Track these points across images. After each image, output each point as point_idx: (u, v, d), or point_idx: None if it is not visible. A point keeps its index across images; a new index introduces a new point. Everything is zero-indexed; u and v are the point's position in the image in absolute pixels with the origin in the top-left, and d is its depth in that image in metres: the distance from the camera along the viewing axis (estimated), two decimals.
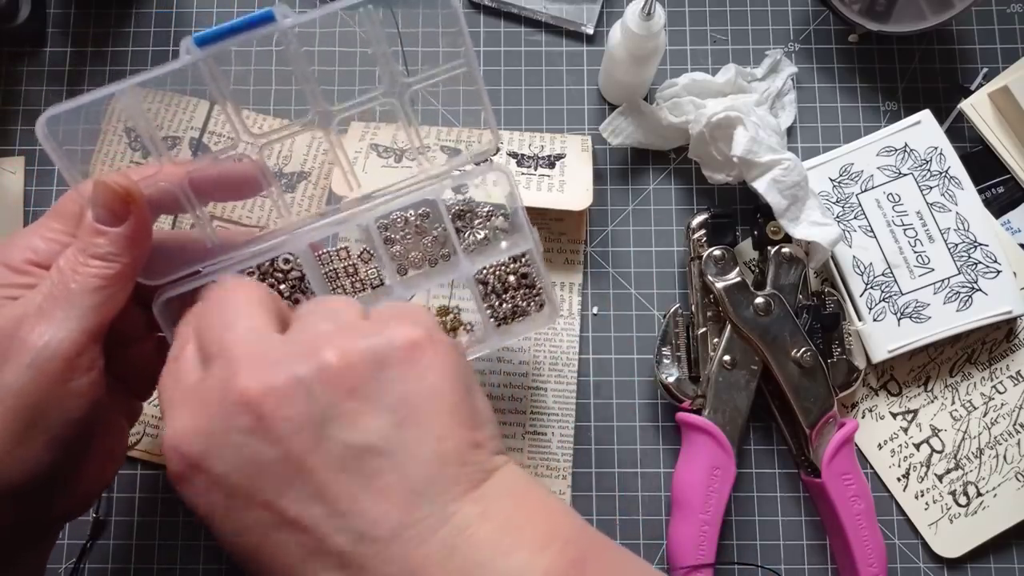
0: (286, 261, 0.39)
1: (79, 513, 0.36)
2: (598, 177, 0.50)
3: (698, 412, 0.45)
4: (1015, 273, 0.47)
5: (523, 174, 0.47)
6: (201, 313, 0.32)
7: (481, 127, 0.51)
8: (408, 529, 0.26)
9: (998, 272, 0.46)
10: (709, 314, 0.46)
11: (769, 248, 0.46)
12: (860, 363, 0.46)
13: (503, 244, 0.40)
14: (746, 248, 0.48)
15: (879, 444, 0.47)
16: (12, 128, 0.51)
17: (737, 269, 0.45)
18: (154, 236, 0.34)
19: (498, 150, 0.48)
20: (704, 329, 0.46)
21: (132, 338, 0.36)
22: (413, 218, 0.40)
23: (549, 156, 0.48)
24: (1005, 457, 0.47)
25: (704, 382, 0.45)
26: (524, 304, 0.41)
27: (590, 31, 0.52)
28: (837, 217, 0.48)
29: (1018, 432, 0.47)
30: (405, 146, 0.48)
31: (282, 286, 0.39)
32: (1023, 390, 0.48)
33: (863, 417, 0.47)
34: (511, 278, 0.41)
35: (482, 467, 0.28)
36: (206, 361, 0.29)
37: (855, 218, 0.48)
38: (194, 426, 0.28)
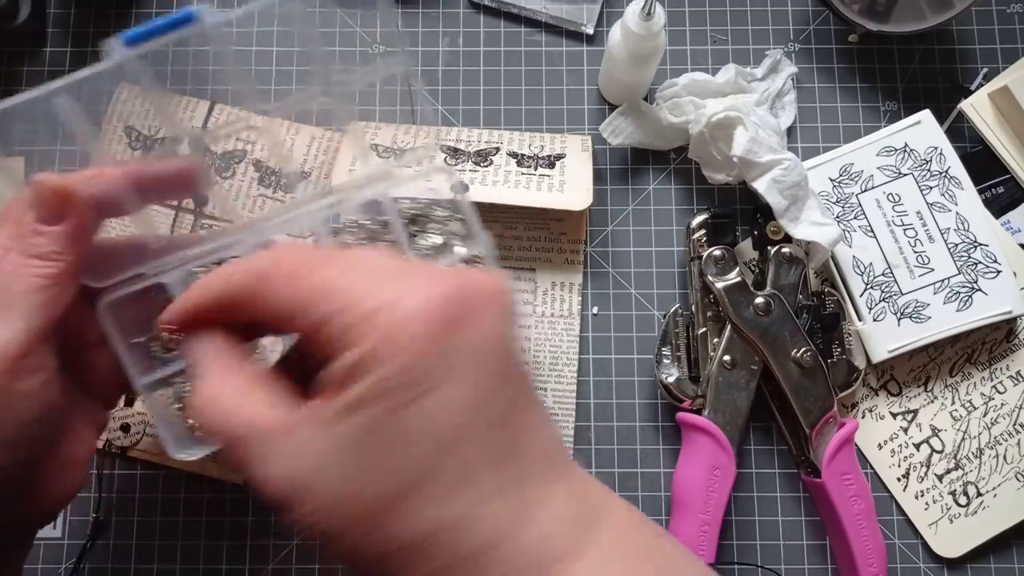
0: None
1: (46, 521, 0.35)
2: (598, 177, 0.50)
3: (698, 412, 0.45)
4: (1015, 273, 0.47)
5: (523, 174, 0.47)
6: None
7: (482, 126, 0.51)
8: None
9: (998, 272, 0.46)
10: (709, 314, 0.46)
11: (769, 248, 0.46)
12: (860, 363, 0.46)
13: (455, 249, 0.38)
14: (746, 248, 0.48)
15: (879, 444, 0.47)
16: (12, 128, 0.51)
17: (737, 269, 0.45)
18: (99, 238, 0.34)
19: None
20: (704, 329, 0.46)
21: (90, 343, 0.35)
22: (369, 223, 0.39)
23: (549, 156, 0.48)
24: (1005, 457, 0.47)
25: (704, 382, 0.45)
26: None
27: (590, 31, 0.52)
28: (837, 217, 0.48)
29: (1018, 432, 0.47)
30: (405, 146, 0.48)
31: None
32: (1023, 390, 0.48)
33: (863, 417, 0.47)
34: None
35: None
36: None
37: (855, 218, 0.48)
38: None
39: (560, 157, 0.48)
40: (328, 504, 0.23)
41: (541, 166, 0.47)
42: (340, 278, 0.25)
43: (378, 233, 0.38)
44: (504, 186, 0.46)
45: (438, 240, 0.39)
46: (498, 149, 0.48)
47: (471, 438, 0.23)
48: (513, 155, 0.48)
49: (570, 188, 0.46)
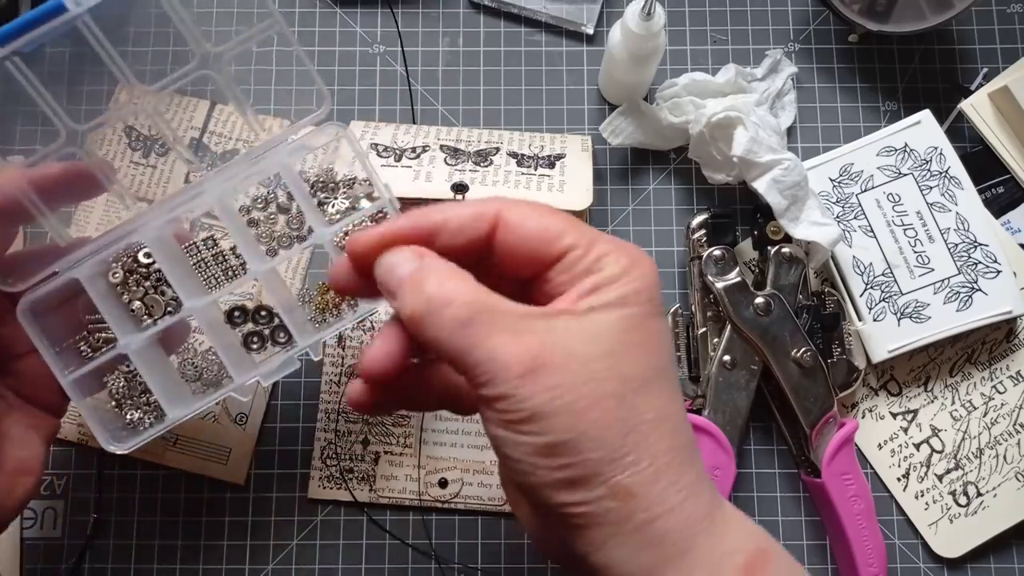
0: (148, 255, 0.38)
1: (1, 528, 0.36)
2: (598, 177, 0.50)
3: (698, 412, 0.45)
4: (1015, 273, 0.47)
5: (523, 174, 0.47)
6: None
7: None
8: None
9: (998, 272, 0.46)
10: (709, 314, 0.46)
11: (769, 248, 0.46)
12: (860, 363, 0.46)
13: (363, 205, 0.38)
14: (746, 248, 0.48)
15: (879, 444, 0.47)
16: (12, 128, 0.51)
17: (737, 269, 0.45)
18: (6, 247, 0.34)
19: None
20: (704, 329, 0.46)
21: (19, 352, 0.36)
22: (279, 196, 0.39)
23: (549, 156, 0.48)
24: (1005, 457, 0.47)
25: (704, 382, 0.45)
26: None
27: (590, 31, 0.52)
28: (837, 217, 0.48)
29: (1018, 432, 0.47)
30: (406, 145, 0.48)
31: (147, 282, 0.38)
32: (1023, 390, 0.48)
33: (863, 417, 0.47)
34: None
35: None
36: None
37: (855, 218, 0.48)
38: None
39: (560, 157, 0.48)
40: (570, 380, 0.25)
41: (541, 166, 0.47)
42: (569, 223, 0.28)
43: (285, 205, 0.39)
44: (504, 186, 0.46)
45: (344, 204, 0.39)
46: (498, 149, 0.48)
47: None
48: (513, 155, 0.48)
49: (570, 188, 0.46)
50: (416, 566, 0.46)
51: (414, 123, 0.51)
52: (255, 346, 0.42)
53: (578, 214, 0.49)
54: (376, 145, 0.48)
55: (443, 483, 0.46)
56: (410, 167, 0.47)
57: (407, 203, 0.49)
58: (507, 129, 0.50)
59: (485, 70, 0.52)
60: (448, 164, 0.47)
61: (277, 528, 0.47)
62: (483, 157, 0.48)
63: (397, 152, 0.47)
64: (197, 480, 0.47)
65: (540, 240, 0.28)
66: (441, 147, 0.48)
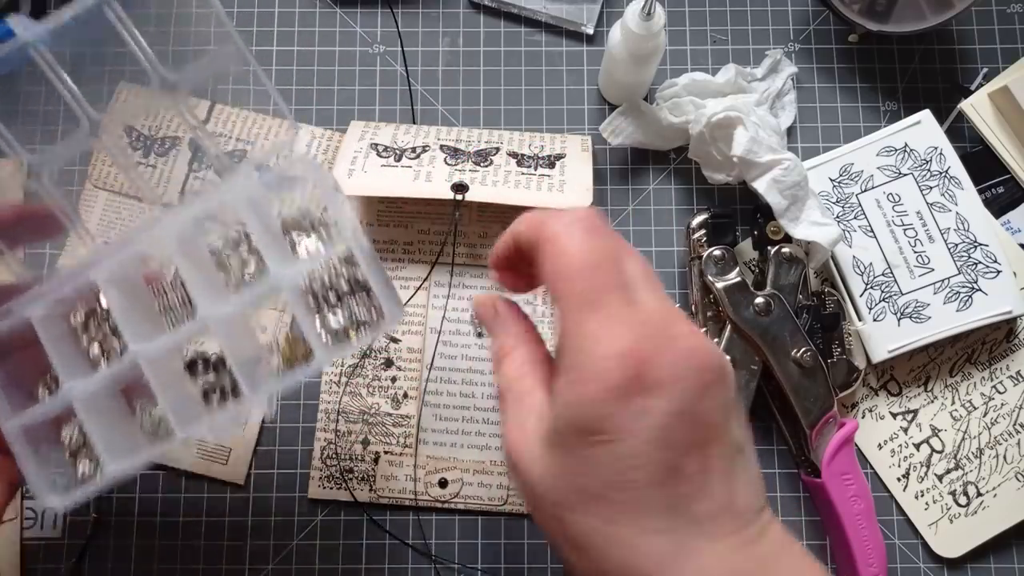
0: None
1: None
2: (598, 177, 0.50)
3: None
4: (1015, 273, 0.47)
5: (523, 174, 0.47)
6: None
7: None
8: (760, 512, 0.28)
9: (998, 272, 0.46)
10: (709, 314, 0.46)
11: (769, 248, 0.46)
12: (860, 363, 0.46)
13: (321, 246, 0.35)
14: (746, 248, 0.48)
15: (879, 444, 0.47)
16: (12, 128, 0.51)
17: (737, 269, 0.45)
18: None
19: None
20: (704, 329, 0.46)
21: None
22: (242, 234, 0.35)
23: (549, 156, 0.48)
24: (1005, 457, 0.47)
25: None
26: (360, 311, 0.34)
27: (590, 31, 0.52)
28: (837, 217, 0.48)
29: (1018, 432, 0.47)
30: (406, 145, 0.48)
31: (107, 324, 0.35)
32: (1023, 390, 0.48)
33: (863, 417, 0.47)
34: (342, 283, 0.34)
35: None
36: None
37: (855, 218, 0.48)
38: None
39: (560, 157, 0.48)
40: (535, 482, 0.28)
41: (541, 166, 0.47)
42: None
43: (255, 246, 0.35)
44: (504, 186, 0.46)
45: (315, 244, 0.35)
46: (498, 149, 0.48)
47: (640, 486, 0.26)
48: (513, 155, 0.48)
49: (570, 188, 0.46)
50: (416, 566, 0.46)
51: (414, 123, 0.51)
52: (215, 399, 0.36)
53: None
54: (376, 145, 0.48)
55: (443, 483, 0.47)
56: (410, 167, 0.47)
57: (408, 202, 0.49)
58: (507, 129, 0.51)
59: (485, 70, 0.52)
60: (448, 164, 0.47)
61: (277, 528, 0.47)
62: (483, 157, 0.48)
63: (397, 152, 0.47)
64: (197, 480, 0.47)
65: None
66: (441, 147, 0.48)
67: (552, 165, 0.47)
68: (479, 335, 0.48)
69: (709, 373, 0.27)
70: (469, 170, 0.47)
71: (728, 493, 0.27)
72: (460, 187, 0.46)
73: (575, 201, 0.45)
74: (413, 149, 0.48)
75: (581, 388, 0.26)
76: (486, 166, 0.47)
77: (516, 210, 0.48)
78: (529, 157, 0.48)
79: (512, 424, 0.30)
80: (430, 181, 0.46)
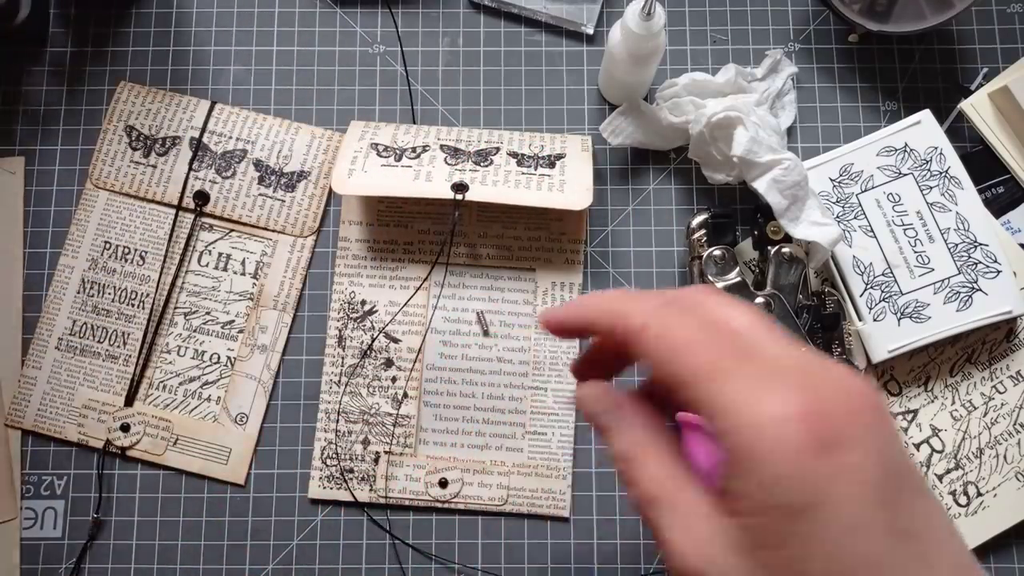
0: None
1: None
2: (598, 177, 0.50)
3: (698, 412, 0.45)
4: (1015, 273, 0.47)
5: (523, 174, 0.47)
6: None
7: (481, 127, 0.51)
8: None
9: (998, 272, 0.46)
10: None
11: (769, 248, 0.46)
12: (860, 363, 0.46)
13: None
14: (746, 248, 0.48)
15: None
16: (12, 128, 0.51)
17: (737, 269, 0.45)
18: None
19: None
20: None
21: None
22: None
23: (549, 156, 0.48)
24: (1005, 457, 0.47)
25: None
26: None
27: (590, 31, 0.52)
28: (837, 217, 0.48)
29: (1018, 432, 0.47)
30: (406, 145, 0.48)
31: None
32: (1023, 390, 0.48)
33: None
34: None
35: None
36: None
37: (855, 218, 0.48)
38: None
39: (560, 157, 0.48)
40: None
41: (541, 166, 0.47)
42: (717, 365, 0.24)
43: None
44: (504, 186, 0.46)
45: None
46: (498, 149, 0.48)
47: (873, 555, 0.22)
48: (513, 155, 0.48)
49: (570, 188, 0.46)
50: (416, 566, 0.46)
51: (414, 123, 0.51)
52: None
53: (578, 214, 0.49)
54: (376, 145, 0.48)
55: (443, 483, 0.47)
56: (410, 167, 0.47)
57: (408, 202, 0.49)
58: (507, 129, 0.51)
59: (485, 70, 0.52)
60: (448, 164, 0.47)
61: (277, 528, 0.47)
62: (483, 157, 0.48)
63: (397, 152, 0.47)
64: (197, 480, 0.47)
65: (667, 380, 0.26)
66: (441, 147, 0.48)
67: (552, 165, 0.47)
68: (485, 333, 0.48)
69: (883, 411, 0.23)
70: (469, 170, 0.47)
71: (959, 543, 0.24)
72: (460, 187, 0.46)
73: (575, 201, 0.46)
74: (413, 149, 0.48)
75: (762, 462, 0.22)
76: (486, 166, 0.47)
77: (516, 210, 0.49)
78: (529, 157, 0.48)
79: (679, 535, 0.25)
80: (430, 181, 0.46)
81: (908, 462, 0.23)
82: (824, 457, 0.22)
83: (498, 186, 0.46)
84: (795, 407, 0.22)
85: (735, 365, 0.24)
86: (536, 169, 0.47)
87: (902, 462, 0.23)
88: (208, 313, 0.48)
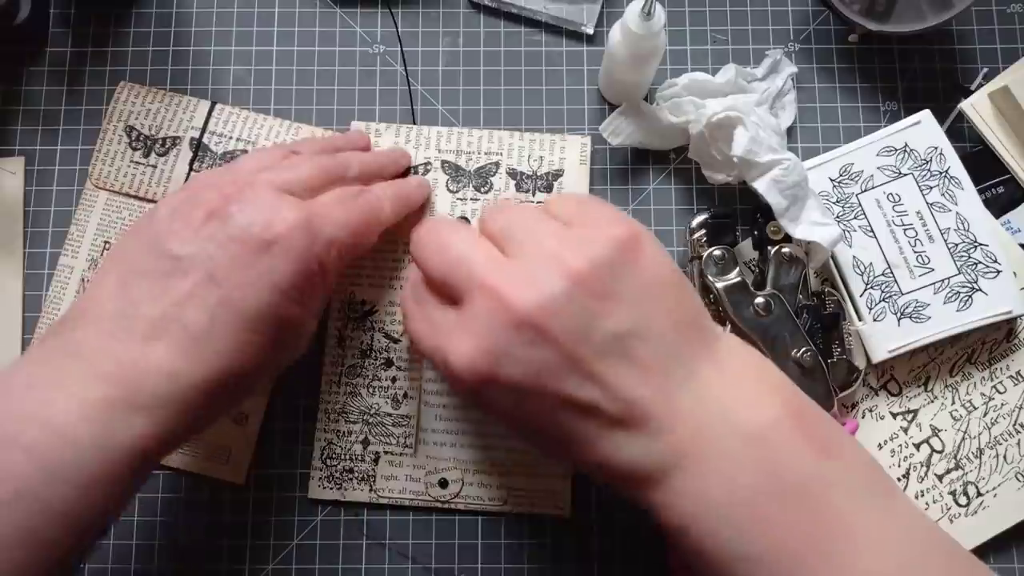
0: None
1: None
2: (599, 177, 0.50)
3: None
4: (1015, 273, 0.47)
5: (521, 202, 0.48)
6: (426, 257, 0.38)
7: (481, 127, 0.51)
8: (664, 387, 0.33)
9: (998, 272, 0.46)
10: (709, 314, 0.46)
11: (769, 248, 0.46)
12: (860, 363, 0.46)
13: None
14: (746, 248, 0.48)
15: (879, 444, 0.47)
16: (12, 128, 0.51)
17: (737, 269, 0.45)
18: None
19: None
20: None
21: None
22: None
23: (547, 174, 0.49)
24: (1005, 457, 0.47)
25: None
26: None
27: (590, 31, 0.52)
28: (837, 217, 0.48)
29: (1018, 432, 0.47)
30: (406, 145, 0.48)
31: None
32: (1023, 390, 0.48)
33: (863, 417, 0.47)
34: None
35: (712, 331, 0.36)
36: (459, 296, 0.35)
37: (855, 218, 0.48)
38: (481, 348, 0.33)
39: (558, 175, 0.49)
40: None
41: (539, 189, 0.49)
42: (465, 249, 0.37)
43: None
44: None
45: None
46: (498, 165, 0.49)
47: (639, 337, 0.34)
48: (512, 174, 0.49)
49: None
50: (416, 566, 0.46)
51: (414, 123, 0.51)
52: None
53: None
54: (376, 145, 0.48)
55: (443, 483, 0.47)
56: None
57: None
58: (507, 129, 0.50)
59: (485, 70, 0.52)
60: (450, 191, 0.49)
61: (277, 528, 0.47)
62: (483, 179, 0.49)
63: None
64: (197, 480, 0.47)
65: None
66: (443, 164, 0.49)
67: (549, 188, 0.49)
68: None
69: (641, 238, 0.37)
70: (471, 198, 0.48)
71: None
72: (462, 221, 0.48)
73: None
74: (415, 169, 0.49)
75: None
76: (485, 191, 0.48)
77: None
78: (528, 176, 0.49)
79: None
80: (433, 214, 0.48)
81: None
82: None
83: None
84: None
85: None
86: (534, 195, 0.49)
87: None
88: None
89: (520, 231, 0.36)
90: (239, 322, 0.36)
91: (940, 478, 0.47)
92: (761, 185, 0.45)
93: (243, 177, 0.39)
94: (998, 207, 0.49)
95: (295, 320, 0.38)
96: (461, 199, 0.49)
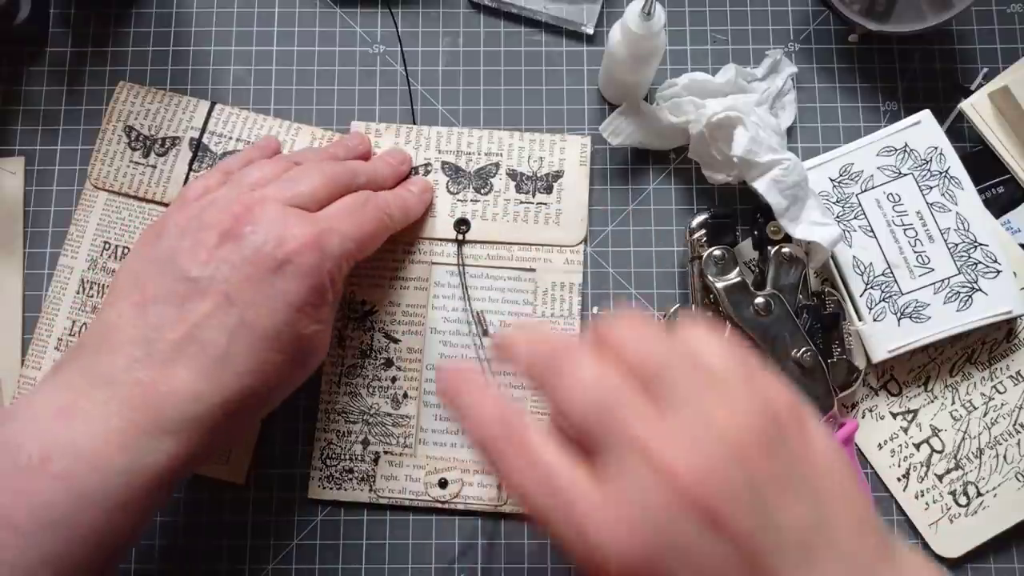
0: None
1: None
2: (599, 177, 0.50)
3: None
4: (1015, 273, 0.47)
5: (522, 203, 0.49)
6: (563, 389, 0.28)
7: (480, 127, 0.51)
8: None
9: (998, 272, 0.46)
10: (709, 314, 0.46)
11: (769, 248, 0.46)
12: (860, 363, 0.46)
13: None
14: (746, 248, 0.48)
15: (879, 444, 0.47)
16: (12, 128, 0.51)
17: (737, 269, 0.45)
18: None
19: None
20: None
21: None
22: None
23: (547, 175, 0.49)
24: (1005, 457, 0.47)
25: None
26: None
27: (590, 31, 0.52)
28: (837, 217, 0.48)
29: (1018, 432, 0.47)
30: (406, 145, 0.48)
31: None
32: (1023, 390, 0.48)
33: (863, 417, 0.47)
34: None
35: (888, 538, 0.28)
36: (596, 448, 0.27)
37: (855, 218, 0.48)
38: (637, 532, 0.25)
39: (558, 176, 0.49)
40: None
41: (539, 191, 0.49)
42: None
43: None
44: (503, 220, 0.48)
45: None
46: (498, 166, 0.49)
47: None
48: (512, 175, 0.49)
49: (566, 219, 0.48)
50: (415, 566, 0.46)
51: (414, 123, 0.51)
52: None
53: (578, 215, 0.49)
54: (377, 145, 0.48)
55: (443, 483, 0.47)
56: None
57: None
58: (507, 130, 0.50)
59: (485, 70, 0.52)
60: (450, 192, 0.49)
61: (277, 528, 0.47)
62: (483, 181, 0.49)
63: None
64: (197, 480, 0.47)
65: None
66: (443, 164, 0.49)
67: (550, 190, 0.49)
68: (485, 333, 0.48)
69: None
70: (471, 199, 0.49)
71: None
72: (462, 223, 0.48)
73: (570, 236, 0.48)
74: (416, 170, 0.49)
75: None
76: (486, 193, 0.49)
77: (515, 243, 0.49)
78: (528, 178, 0.49)
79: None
80: (434, 216, 0.48)
81: None
82: None
83: (498, 220, 0.48)
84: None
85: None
86: (534, 196, 0.49)
87: None
88: None
89: (681, 381, 0.27)
90: (257, 342, 0.36)
91: (940, 478, 0.47)
92: (761, 185, 0.45)
93: (249, 194, 0.39)
94: (998, 207, 0.49)
95: (311, 334, 0.38)
96: (461, 200, 0.49)
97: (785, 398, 0.28)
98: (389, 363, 0.48)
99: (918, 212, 0.47)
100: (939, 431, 0.47)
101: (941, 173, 0.48)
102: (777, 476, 0.26)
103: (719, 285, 0.45)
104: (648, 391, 0.27)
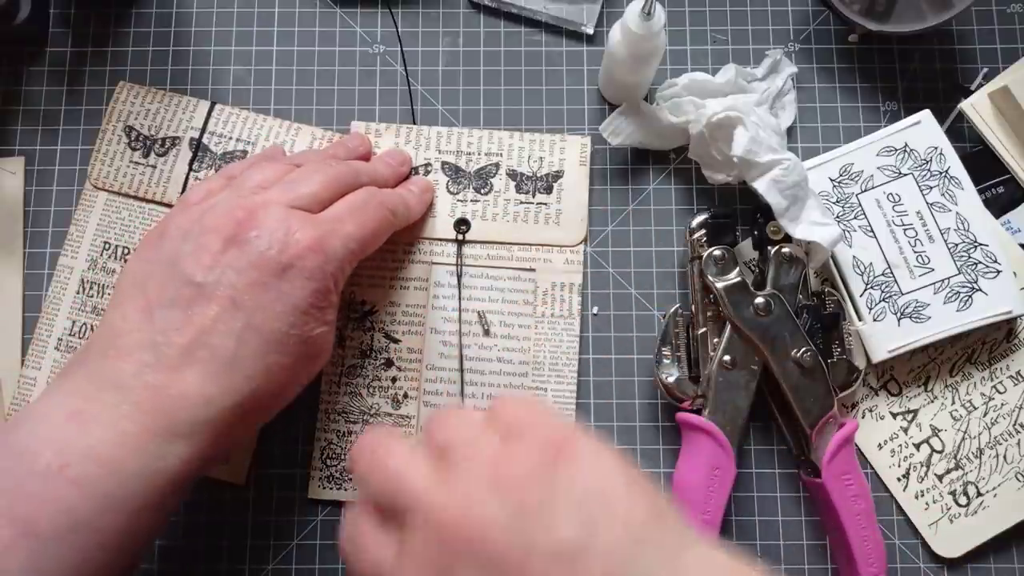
0: None
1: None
2: (599, 177, 0.50)
3: (698, 412, 0.45)
4: (1015, 273, 0.47)
5: (522, 203, 0.49)
6: (362, 473, 0.33)
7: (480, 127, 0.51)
8: None
9: (998, 272, 0.46)
10: (709, 314, 0.46)
11: (769, 248, 0.46)
12: (860, 363, 0.46)
13: None
14: (746, 248, 0.48)
15: (879, 444, 0.47)
16: (12, 128, 0.51)
17: (737, 269, 0.45)
18: None
19: None
20: (704, 329, 0.46)
21: None
22: None
23: (547, 175, 0.49)
24: (1005, 457, 0.47)
25: (704, 382, 0.45)
26: None
27: (590, 31, 0.52)
28: (837, 217, 0.48)
29: (1018, 432, 0.47)
30: (406, 145, 0.48)
31: None
32: (1023, 390, 0.48)
33: (863, 417, 0.47)
34: None
35: (680, 538, 0.29)
36: (399, 517, 0.30)
37: (855, 218, 0.48)
38: None
39: (558, 176, 0.49)
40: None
41: (539, 191, 0.49)
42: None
43: None
44: (503, 220, 0.48)
45: None
46: (498, 166, 0.49)
47: None
48: (512, 175, 0.49)
49: (566, 219, 0.48)
50: None
51: (414, 123, 0.51)
52: None
53: (578, 216, 0.49)
54: (377, 146, 0.48)
55: None
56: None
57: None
58: (507, 130, 0.50)
59: (485, 70, 0.52)
60: (450, 192, 0.49)
61: (277, 528, 0.47)
62: (483, 181, 0.49)
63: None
64: (197, 480, 0.47)
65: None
66: (443, 165, 0.49)
67: (550, 190, 0.49)
68: (486, 333, 0.48)
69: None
70: (471, 199, 0.49)
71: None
72: (462, 223, 0.48)
73: (570, 237, 0.48)
74: (415, 170, 0.49)
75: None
76: (486, 193, 0.49)
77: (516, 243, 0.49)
78: (528, 178, 0.49)
79: None
80: (434, 216, 0.48)
81: None
82: None
83: (498, 220, 0.48)
84: None
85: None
86: (534, 196, 0.49)
87: None
88: None
89: (460, 444, 0.31)
90: (265, 345, 0.37)
91: (940, 478, 0.47)
92: (761, 185, 0.45)
93: (251, 198, 0.39)
94: (998, 207, 0.49)
95: (317, 336, 0.39)
96: (462, 200, 0.49)
97: (560, 435, 0.30)
98: (389, 363, 0.48)
99: (918, 212, 0.47)
100: (939, 431, 0.47)
101: (941, 173, 0.48)
102: (543, 502, 0.28)
103: (719, 285, 0.45)
104: (441, 461, 0.31)
